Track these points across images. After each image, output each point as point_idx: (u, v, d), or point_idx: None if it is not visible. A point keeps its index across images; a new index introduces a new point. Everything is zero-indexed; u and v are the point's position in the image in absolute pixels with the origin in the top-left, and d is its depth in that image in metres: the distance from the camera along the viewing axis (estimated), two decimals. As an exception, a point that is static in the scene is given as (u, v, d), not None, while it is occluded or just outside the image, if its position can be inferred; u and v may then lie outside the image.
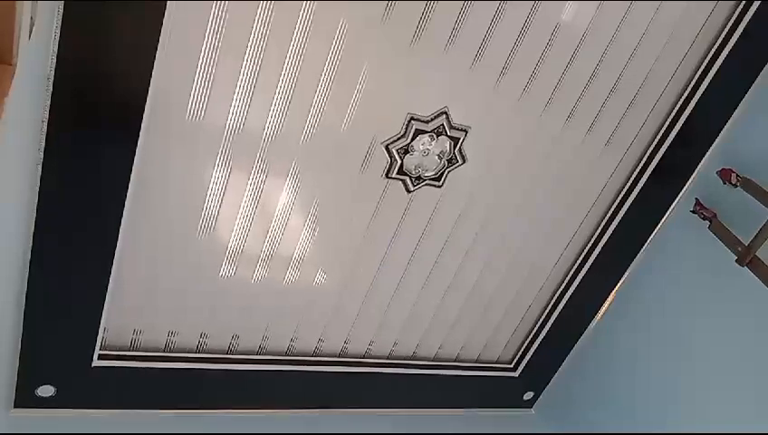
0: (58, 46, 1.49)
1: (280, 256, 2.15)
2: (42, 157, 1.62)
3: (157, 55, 1.58)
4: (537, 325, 2.72)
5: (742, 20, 2.07)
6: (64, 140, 1.63)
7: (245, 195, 1.97)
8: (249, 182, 1.95)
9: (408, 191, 2.16)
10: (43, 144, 1.61)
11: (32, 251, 1.76)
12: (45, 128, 1.59)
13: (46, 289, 1.85)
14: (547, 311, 2.68)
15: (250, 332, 2.28)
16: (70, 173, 1.69)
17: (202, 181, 1.90)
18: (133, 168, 1.74)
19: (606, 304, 2.67)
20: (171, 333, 2.17)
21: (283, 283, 2.21)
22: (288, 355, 2.38)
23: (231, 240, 2.05)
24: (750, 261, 2.08)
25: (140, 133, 1.69)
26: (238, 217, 2.01)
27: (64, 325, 1.95)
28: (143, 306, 2.07)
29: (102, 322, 1.98)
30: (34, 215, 1.71)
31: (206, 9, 1.62)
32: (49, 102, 1.55)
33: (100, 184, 1.74)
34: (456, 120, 2.06)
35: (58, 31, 1.47)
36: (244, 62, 1.73)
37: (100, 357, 2.07)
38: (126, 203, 1.79)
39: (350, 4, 1.73)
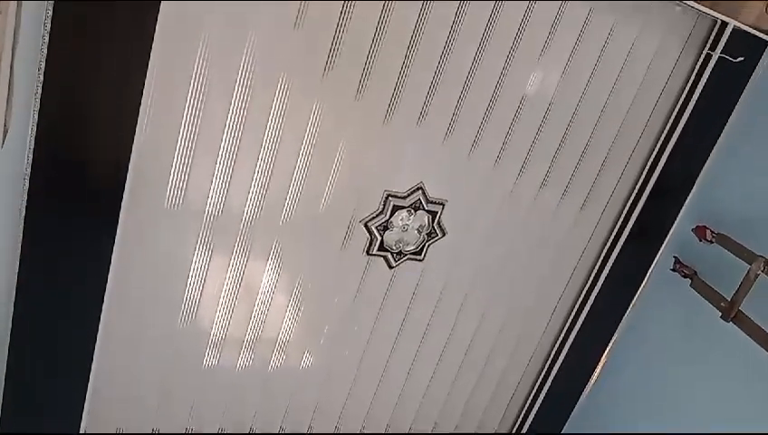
0: (35, 143, 1.51)
1: (264, 340, 2.11)
2: (19, 251, 1.61)
3: (134, 144, 1.61)
4: (532, 394, 2.67)
5: (701, 77, 2.16)
6: (42, 234, 1.62)
7: (227, 278, 1.96)
8: (230, 265, 1.94)
9: (391, 267, 2.16)
10: (21, 238, 1.60)
11: (9, 348, 1.72)
12: (23, 222, 1.58)
13: (23, 391, 1.79)
14: (540, 378, 2.64)
15: (236, 423, 2.21)
16: (48, 266, 1.67)
17: (182, 267, 1.89)
18: (112, 258, 1.72)
19: (598, 368, 2.63)
20: (154, 430, 2.09)
21: (268, 368, 2.16)
22: (277, 445, 2.31)
23: (214, 327, 2.02)
24: (735, 316, 2.08)
25: (119, 224, 1.69)
26: (220, 301, 1.98)
27: (43, 428, 1.87)
28: (125, 403, 2.00)
29: (83, 423, 1.91)
30: (12, 311, 1.67)
31: (183, 93, 1.65)
32: (26, 198, 1.56)
33: (79, 276, 1.72)
34: (432, 195, 2.08)
35: (34, 129, 1.49)
36: (222, 146, 1.76)
37: (81, 460, 1.98)
38: (105, 295, 1.76)
39: (324, 85, 1.78)
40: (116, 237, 1.70)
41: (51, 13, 1.40)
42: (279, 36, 1.67)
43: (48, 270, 1.68)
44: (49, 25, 1.41)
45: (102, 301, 1.77)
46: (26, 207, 1.57)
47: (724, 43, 2.09)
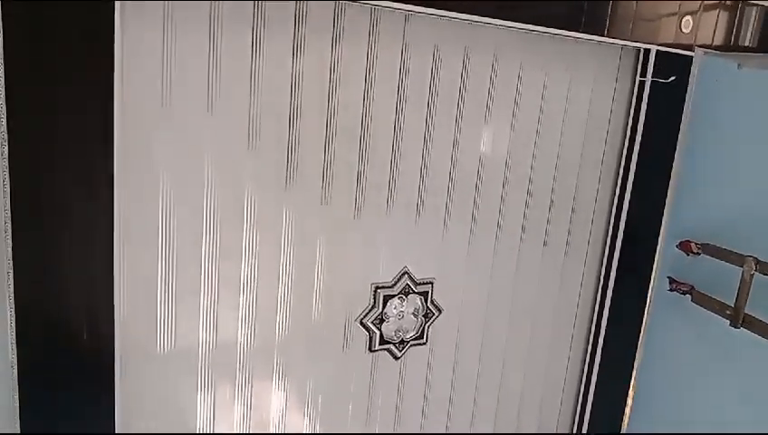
0: (16, 322, 1.50)
1: (288, 466, 2.04)
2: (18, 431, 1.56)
3: (115, 301, 1.60)
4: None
5: (641, 105, 2.24)
6: (38, 413, 1.57)
7: (236, 411, 1.90)
8: (236, 396, 1.89)
9: (396, 358, 2.13)
10: (18, 418, 1.55)
11: None
12: (17, 403, 1.54)
13: None
14: (576, 426, 2.57)
15: None
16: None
17: (188, 411, 1.84)
18: (116, 423, 1.67)
19: (628, 408, 2.57)
20: None
21: (298, 494, 2.08)
22: None
23: (233, 465, 1.94)
24: (743, 320, 2.07)
25: (116, 384, 1.65)
26: (234, 437, 1.93)
27: None
28: None
29: None
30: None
31: (153, 236, 1.67)
32: (16, 381, 1.52)
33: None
34: (418, 276, 2.09)
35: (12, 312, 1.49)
36: (202, 278, 1.76)
37: None
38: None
39: (289, 197, 1.81)
40: (115, 399, 1.66)
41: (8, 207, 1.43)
42: (236, 160, 1.72)
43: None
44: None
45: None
46: (18, 387, 1.53)
47: (653, 68, 2.19)
